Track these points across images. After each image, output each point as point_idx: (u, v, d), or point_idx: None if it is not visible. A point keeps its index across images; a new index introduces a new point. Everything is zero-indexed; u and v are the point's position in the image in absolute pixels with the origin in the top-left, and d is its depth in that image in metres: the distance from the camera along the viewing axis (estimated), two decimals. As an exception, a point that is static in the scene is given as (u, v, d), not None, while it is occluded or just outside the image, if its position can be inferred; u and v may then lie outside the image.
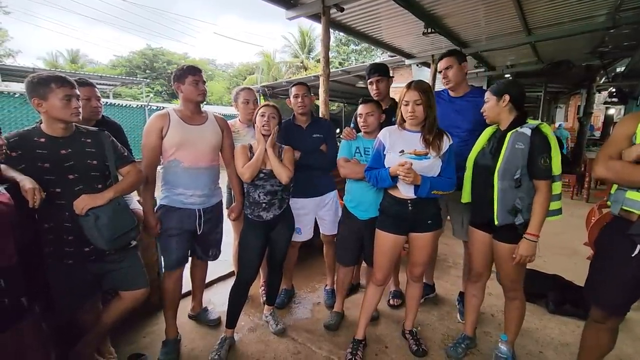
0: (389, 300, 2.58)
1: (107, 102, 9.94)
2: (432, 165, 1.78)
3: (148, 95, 15.31)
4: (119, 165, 1.66)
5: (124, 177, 1.66)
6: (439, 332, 2.29)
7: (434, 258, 2.64)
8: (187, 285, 2.33)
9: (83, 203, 1.48)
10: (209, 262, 2.30)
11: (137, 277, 1.72)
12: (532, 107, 12.29)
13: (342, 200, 2.27)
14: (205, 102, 2.07)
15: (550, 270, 2.84)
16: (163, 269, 2.10)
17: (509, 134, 1.70)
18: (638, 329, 2.29)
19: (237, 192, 2.21)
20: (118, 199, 1.59)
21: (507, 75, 8.95)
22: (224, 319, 2.15)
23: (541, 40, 5.68)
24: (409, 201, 1.84)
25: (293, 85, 2.36)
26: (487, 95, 1.80)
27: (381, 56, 12.32)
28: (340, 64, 24.85)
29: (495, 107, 1.76)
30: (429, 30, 4.88)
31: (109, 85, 13.24)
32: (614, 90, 8.24)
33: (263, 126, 1.97)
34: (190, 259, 2.18)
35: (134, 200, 2.06)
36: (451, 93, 2.28)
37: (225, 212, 2.25)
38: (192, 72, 1.91)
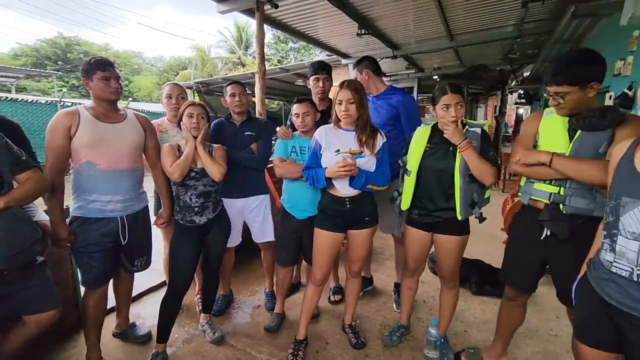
0: (329, 297, 2.62)
1: (6, 98, 8.56)
2: (366, 164, 1.82)
3: (61, 90, 13.56)
4: (15, 171, 1.41)
5: (21, 184, 1.42)
6: (377, 322, 2.38)
7: (370, 252, 2.74)
8: (110, 300, 2.11)
9: None
10: (137, 273, 2.09)
11: (45, 298, 1.51)
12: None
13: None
14: (130, 99, 1.88)
15: (474, 255, 3.12)
16: (82, 286, 1.87)
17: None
18: (542, 302, 2.61)
19: (165, 195, 2.05)
20: (14, 210, 1.36)
21: (434, 77, 9.66)
22: (155, 333, 1.98)
23: (461, 45, 6.21)
24: (346, 199, 1.87)
25: (228, 85, 2.27)
26: (459, 98, 1.74)
27: (320, 55, 12.45)
28: (279, 61, 24.65)
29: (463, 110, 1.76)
30: (363, 32, 5.04)
31: (10, 77, 11.48)
32: (521, 92, 9.36)
33: (193, 127, 1.85)
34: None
35: (40, 211, 1.80)
36: (371, 94, 2.41)
37: (153, 218, 2.07)
38: (100, 67, 1.69)
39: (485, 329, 2.31)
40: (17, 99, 8.72)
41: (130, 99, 19.04)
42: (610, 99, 3.52)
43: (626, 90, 2.94)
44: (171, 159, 1.84)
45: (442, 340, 2.02)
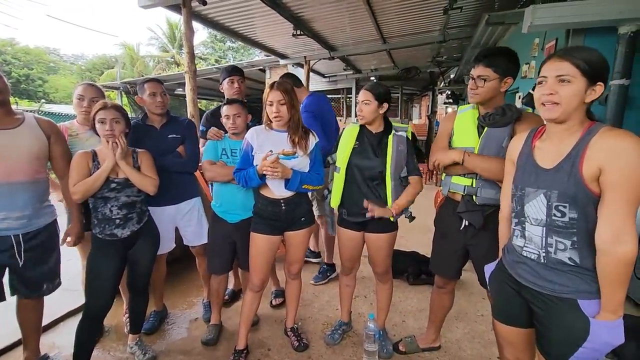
0: (271, 301, 2.56)
1: None
2: (300, 164, 1.81)
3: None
4: None
5: None
6: (320, 322, 2.39)
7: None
8: (16, 331, 1.84)
9: None
10: (52, 295, 1.84)
11: None
12: (393, 106, 14.17)
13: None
14: (44, 100, 1.63)
15: (410, 247, 3.29)
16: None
17: (390, 138, 1.82)
18: (470, 286, 2.83)
19: (74, 210, 1.83)
20: None
21: (372, 78, 10.04)
22: (73, 363, 1.76)
23: (394, 48, 6.53)
24: (282, 201, 1.84)
25: (146, 82, 2.09)
26: (368, 96, 1.79)
27: (259, 55, 12.25)
28: (216, 61, 23.82)
29: (375, 111, 1.80)
30: (298, 33, 5.06)
31: None
32: (449, 92, 10.14)
33: (107, 135, 1.66)
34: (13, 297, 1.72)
35: None
36: None
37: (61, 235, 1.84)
38: None
39: (421, 317, 2.44)
40: None
41: (43, 100, 16.97)
42: (519, 98, 3.95)
43: (531, 91, 3.31)
44: (78, 174, 1.64)
45: (381, 333, 2.09)
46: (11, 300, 1.75)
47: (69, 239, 1.85)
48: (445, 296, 1.96)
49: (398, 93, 12.44)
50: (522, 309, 1.25)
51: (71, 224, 1.85)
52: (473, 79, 1.54)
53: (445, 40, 5.85)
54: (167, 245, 2.17)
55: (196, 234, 2.26)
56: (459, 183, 1.65)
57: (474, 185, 1.59)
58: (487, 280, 1.42)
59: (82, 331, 1.72)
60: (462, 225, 1.68)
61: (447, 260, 1.82)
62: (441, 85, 11.00)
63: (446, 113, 14.32)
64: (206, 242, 2.22)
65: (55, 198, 1.92)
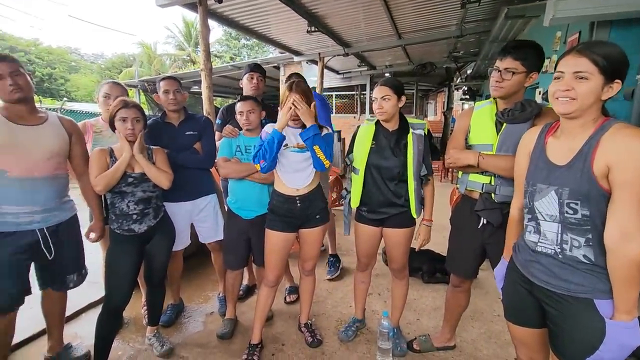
0: (285, 298, 2.58)
1: None
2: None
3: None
4: None
5: None
6: (334, 319, 2.39)
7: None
8: (41, 321, 1.91)
9: None
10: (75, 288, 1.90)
11: None
12: (408, 102, 14.00)
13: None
14: (66, 98, 1.68)
15: (425, 245, 3.25)
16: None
17: (410, 137, 1.80)
18: (486, 285, 2.78)
19: (95, 207, 1.88)
20: None
21: (386, 74, 9.94)
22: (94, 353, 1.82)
23: (409, 44, 6.43)
24: (297, 198, 1.85)
25: (162, 80, 2.13)
26: (388, 92, 1.76)
27: (273, 52, 12.30)
28: (231, 58, 24.01)
29: (395, 106, 1.78)
30: (313, 29, 5.04)
31: None
32: (465, 88, 9.95)
33: (128, 134, 1.71)
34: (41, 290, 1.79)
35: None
36: None
37: (83, 229, 1.90)
38: None
39: (436, 315, 2.41)
40: None
41: (65, 98, 17.47)
42: (539, 94, 3.84)
43: (552, 86, 3.21)
44: (98, 168, 1.69)
45: (395, 331, 2.08)
46: (35, 291, 1.82)
47: (92, 235, 1.90)
48: (460, 295, 1.93)
49: (413, 89, 12.27)
50: (534, 309, 1.22)
51: (93, 221, 1.90)
52: (499, 71, 1.49)
53: (462, 35, 5.72)
54: (183, 241, 2.21)
55: (212, 230, 2.28)
56: (477, 181, 1.62)
57: (492, 183, 1.56)
58: (496, 282, 1.39)
59: (102, 323, 1.77)
60: (480, 224, 1.65)
61: (463, 258, 1.79)
62: (457, 81, 10.79)
63: (462, 109, 14.09)
64: (222, 238, 2.25)
65: (75, 193, 1.99)
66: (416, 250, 2.00)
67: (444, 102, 12.90)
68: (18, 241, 1.57)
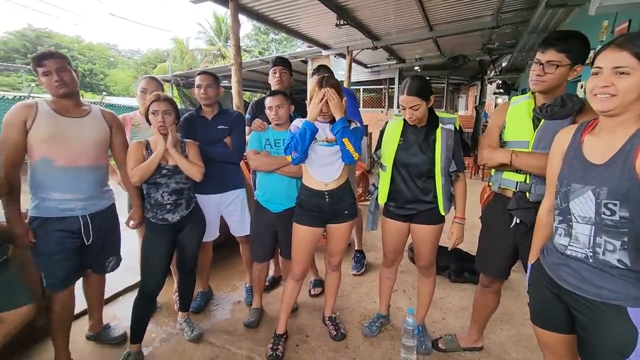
0: (309, 290, 2.61)
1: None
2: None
3: (30, 85, 12.96)
4: None
5: None
6: (357, 313, 2.40)
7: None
8: (83, 302, 2.05)
9: None
10: (113, 272, 2.04)
11: (14, 295, 1.44)
12: (438, 97, 13.61)
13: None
14: (105, 93, 1.79)
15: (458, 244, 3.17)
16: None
17: (438, 132, 1.75)
18: (517, 287, 2.68)
19: (134, 195, 1.98)
20: None
21: (416, 68, 9.70)
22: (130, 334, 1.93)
23: (440, 36, 6.23)
24: (325, 192, 1.85)
25: (197, 75, 2.20)
26: (416, 101, 1.68)
27: (301, 46, 12.30)
28: (260, 53, 24.24)
29: (425, 110, 1.73)
30: (342, 23, 5.00)
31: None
32: (500, 82, 9.52)
33: (159, 126, 1.78)
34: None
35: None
36: None
37: (120, 217, 2.00)
38: (38, 63, 1.59)
39: (462, 315, 2.36)
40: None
41: (105, 93, 18.37)
42: (581, 88, 3.61)
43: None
44: (134, 160, 1.78)
45: (420, 329, 2.05)
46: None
47: (132, 222, 2.01)
48: (490, 296, 1.88)
49: (444, 83, 11.90)
50: (561, 314, 1.17)
51: (133, 209, 2.02)
52: (541, 64, 1.41)
53: (498, 26, 5.46)
54: (212, 233, 2.28)
55: (239, 225, 2.34)
56: (511, 179, 1.56)
57: (527, 182, 1.50)
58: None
59: (138, 306, 1.88)
60: (513, 223, 1.59)
61: (494, 259, 1.73)
62: (491, 75, 10.34)
63: (496, 104, 13.51)
64: (248, 233, 2.31)
65: (114, 181, 2.10)
66: (449, 249, 1.95)
67: (475, 96, 12.43)
68: (65, 227, 1.69)
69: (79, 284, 1.94)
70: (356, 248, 3.08)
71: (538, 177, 1.45)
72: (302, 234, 1.91)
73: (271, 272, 2.72)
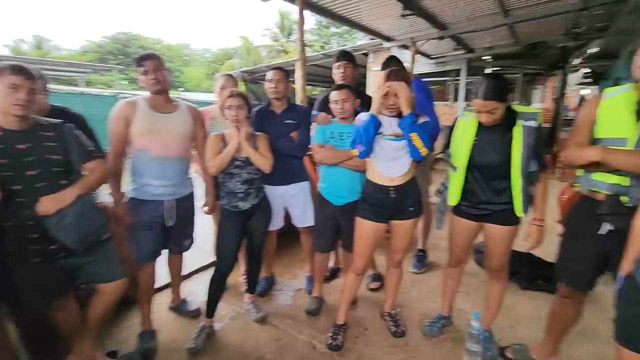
0: (368, 284, 2.62)
1: (81, 92, 9.48)
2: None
3: (120, 84, 14.69)
4: (83, 161, 1.56)
5: (90, 174, 1.57)
6: (417, 312, 2.36)
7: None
8: (165, 277, 2.32)
9: (45, 207, 1.39)
10: (190, 253, 2.28)
11: (112, 269, 1.68)
12: (510, 88, 12.50)
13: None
14: (182, 89, 2.01)
15: (524, 248, 2.94)
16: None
17: (517, 130, 1.64)
18: (604, 302, 2.40)
19: (209, 184, 2.18)
20: (83, 198, 1.50)
21: (485, 57, 9.01)
22: (204, 309, 2.14)
23: (517, 21, 5.69)
24: (391, 188, 1.84)
25: (270, 70, 2.31)
26: (493, 105, 1.58)
27: (362, 39, 12.15)
28: (321, 47, 24.40)
29: (502, 109, 1.62)
30: (408, 13, 4.83)
31: (79, 72, 12.60)
32: (587, 71, 8.44)
33: (233, 120, 1.93)
34: (167, 250, 2.16)
35: (102, 193, 2.00)
36: None
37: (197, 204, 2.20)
38: (138, 63, 1.83)
39: (534, 325, 2.19)
40: (84, 92, 9.64)
41: (181, 89, 20.04)
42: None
43: None
44: (212, 152, 1.94)
45: (486, 334, 1.95)
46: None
47: (206, 208, 2.23)
48: (570, 308, 1.72)
49: (517, 73, 10.89)
50: None
51: (208, 197, 2.22)
52: None
53: (586, 8, 4.83)
54: (276, 222, 2.40)
55: (302, 216, 2.42)
56: (604, 180, 1.40)
57: (625, 184, 1.33)
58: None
59: (212, 284, 2.07)
60: (604, 230, 1.43)
61: (578, 268, 1.58)
62: (577, 63, 9.20)
63: (580, 97, 12.03)
64: (311, 224, 2.39)
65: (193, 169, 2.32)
66: (525, 251, 1.83)
67: (555, 87, 11.18)
68: (154, 208, 1.92)
69: (162, 262, 2.18)
70: (419, 247, 3.01)
71: (638, 180, 1.29)
72: (365, 229, 1.92)
73: (331, 263, 2.79)
